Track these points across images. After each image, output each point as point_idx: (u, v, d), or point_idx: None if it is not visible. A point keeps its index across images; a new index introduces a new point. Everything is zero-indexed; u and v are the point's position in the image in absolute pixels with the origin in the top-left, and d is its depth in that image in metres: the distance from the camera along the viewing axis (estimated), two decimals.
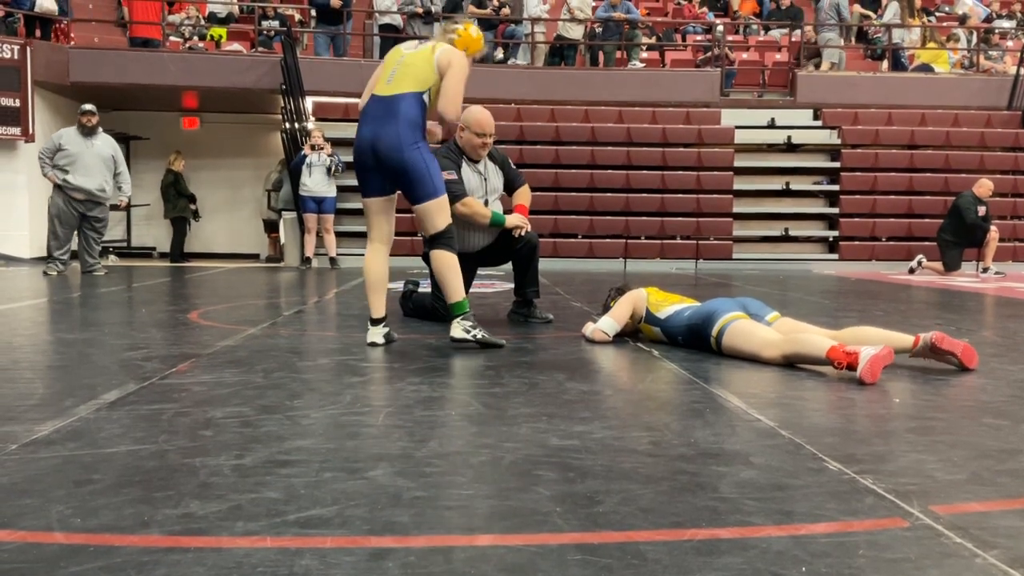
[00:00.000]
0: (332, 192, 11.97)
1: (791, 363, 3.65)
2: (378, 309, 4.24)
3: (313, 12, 14.46)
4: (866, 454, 2.31)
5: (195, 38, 14.16)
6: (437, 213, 4.13)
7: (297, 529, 1.71)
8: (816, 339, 3.58)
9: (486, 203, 5.17)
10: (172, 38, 14.07)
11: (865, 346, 3.37)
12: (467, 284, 5.35)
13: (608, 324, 4.39)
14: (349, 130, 13.22)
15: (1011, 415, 2.83)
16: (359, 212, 12.77)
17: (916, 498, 1.93)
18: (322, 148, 11.86)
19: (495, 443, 2.38)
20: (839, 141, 13.66)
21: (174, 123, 15.23)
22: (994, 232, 11.63)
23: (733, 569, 1.54)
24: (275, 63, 13.08)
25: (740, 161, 13.46)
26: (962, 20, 16.57)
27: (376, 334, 4.23)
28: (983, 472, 2.17)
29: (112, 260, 13.24)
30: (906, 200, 13.31)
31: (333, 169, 11.83)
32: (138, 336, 4.62)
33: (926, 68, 15.14)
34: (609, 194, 13.04)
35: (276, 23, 14.04)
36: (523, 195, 5.38)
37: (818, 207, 13.69)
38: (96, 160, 9.43)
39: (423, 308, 5.32)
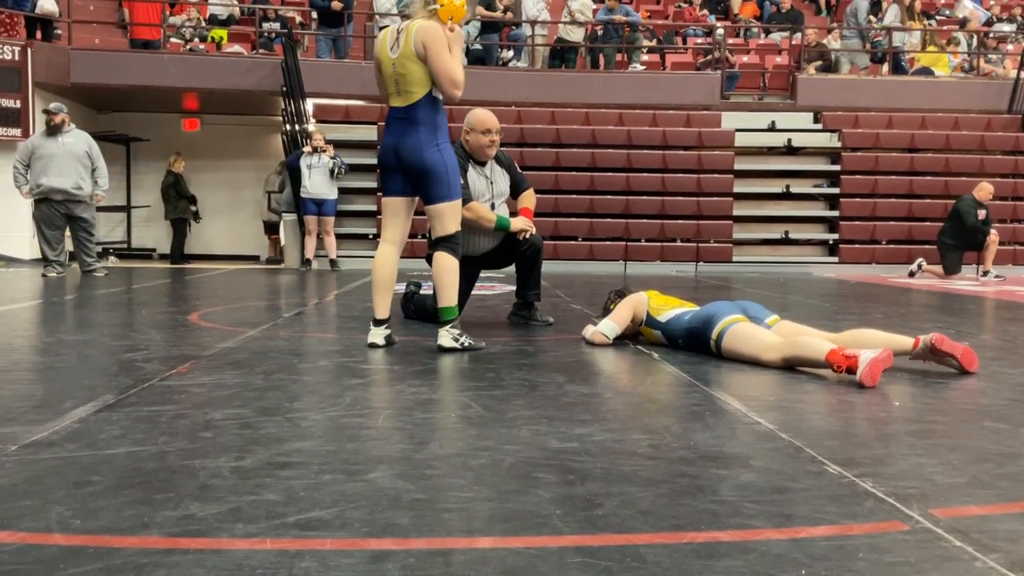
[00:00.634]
0: (333, 194, 11.98)
1: (791, 366, 3.65)
2: (382, 310, 4.25)
3: (314, 14, 14.47)
4: (866, 457, 2.31)
5: (196, 40, 14.17)
6: (449, 216, 4.16)
7: (297, 531, 1.71)
8: (816, 342, 3.58)
9: (492, 207, 5.14)
10: (173, 40, 14.08)
11: (864, 350, 3.37)
12: (470, 287, 5.36)
13: (608, 327, 4.39)
14: (350, 132, 13.27)
15: (1011, 419, 2.83)
16: (360, 214, 12.96)
17: (916, 501, 1.93)
18: (324, 150, 11.87)
19: (495, 445, 2.38)
20: (839, 144, 13.65)
21: (175, 125, 15.23)
22: (994, 235, 11.65)
23: (733, 572, 1.54)
24: (276, 65, 13.09)
25: (740, 164, 13.45)
26: (962, 23, 16.58)
27: (377, 335, 4.23)
28: (983, 475, 2.16)
29: (112, 261, 13.25)
30: (906, 203, 13.31)
31: (336, 171, 11.83)
32: (138, 337, 4.62)
33: (926, 71, 15.15)
34: (609, 196, 13.03)
35: (277, 25, 14.05)
36: (528, 199, 5.37)
37: (818, 210, 13.69)
38: (69, 158, 9.26)
39: (424, 310, 5.32)
